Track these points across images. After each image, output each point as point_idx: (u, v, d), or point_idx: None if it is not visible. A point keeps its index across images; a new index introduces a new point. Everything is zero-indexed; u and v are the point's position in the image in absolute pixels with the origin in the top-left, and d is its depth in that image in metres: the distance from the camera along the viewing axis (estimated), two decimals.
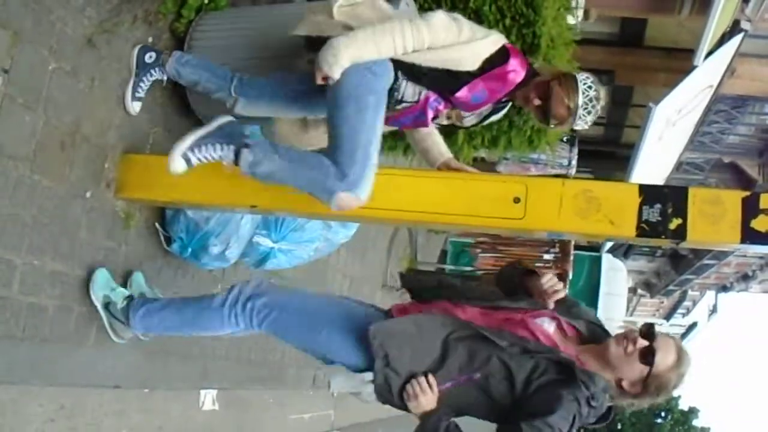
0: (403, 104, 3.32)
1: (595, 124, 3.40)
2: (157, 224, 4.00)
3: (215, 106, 3.67)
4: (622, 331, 3.03)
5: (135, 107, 3.67)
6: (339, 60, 3.02)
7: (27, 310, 3.14)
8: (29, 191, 3.09)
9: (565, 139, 9.56)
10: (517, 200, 3.18)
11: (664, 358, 2.90)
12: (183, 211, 3.95)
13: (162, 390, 4.38)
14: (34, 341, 3.20)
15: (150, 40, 3.80)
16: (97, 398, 3.76)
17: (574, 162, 10.77)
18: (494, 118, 3.64)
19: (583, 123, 3.32)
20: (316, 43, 3.17)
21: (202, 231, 3.98)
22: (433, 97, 3.31)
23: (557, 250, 10.31)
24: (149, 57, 3.66)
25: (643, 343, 2.92)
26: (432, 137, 3.66)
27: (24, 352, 3.17)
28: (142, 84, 3.66)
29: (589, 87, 3.29)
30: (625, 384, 2.97)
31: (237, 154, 3.13)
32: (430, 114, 3.37)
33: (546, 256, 10.39)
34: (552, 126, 3.45)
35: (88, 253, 3.48)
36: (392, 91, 3.23)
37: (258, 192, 3.28)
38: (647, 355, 2.89)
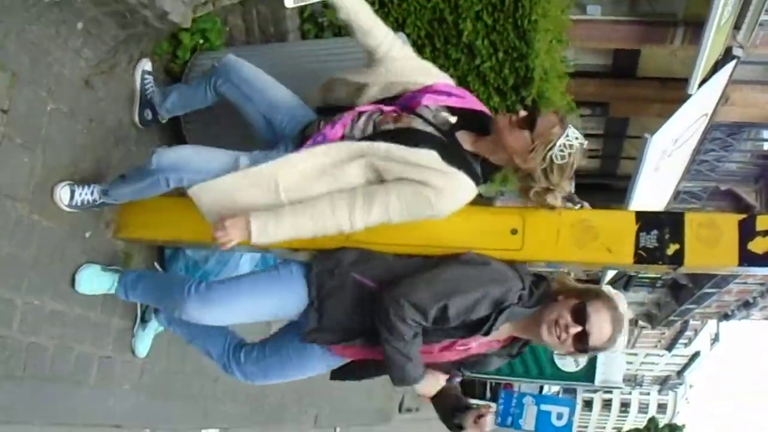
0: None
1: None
2: (156, 264, 4.00)
3: (211, 140, 3.69)
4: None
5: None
6: None
7: (27, 350, 3.14)
8: (28, 231, 3.10)
9: None
10: (514, 232, 3.18)
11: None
12: (182, 250, 3.96)
13: (163, 430, 4.35)
14: (35, 380, 3.20)
15: None
16: None
17: None
18: None
19: (564, 146, 2.82)
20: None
21: (201, 270, 3.98)
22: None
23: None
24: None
25: None
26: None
27: (24, 391, 3.16)
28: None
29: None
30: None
31: None
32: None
33: None
34: (531, 153, 2.86)
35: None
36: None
37: None
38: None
